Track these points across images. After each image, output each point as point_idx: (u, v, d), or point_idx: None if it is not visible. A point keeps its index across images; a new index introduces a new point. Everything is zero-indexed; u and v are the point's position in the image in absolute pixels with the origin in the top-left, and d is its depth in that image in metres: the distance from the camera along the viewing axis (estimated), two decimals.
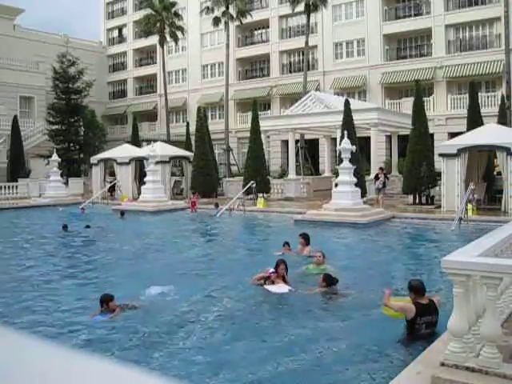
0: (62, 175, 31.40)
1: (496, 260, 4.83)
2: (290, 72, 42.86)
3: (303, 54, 36.91)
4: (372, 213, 18.36)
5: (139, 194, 26.58)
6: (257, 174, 25.78)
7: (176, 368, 5.80)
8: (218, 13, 37.73)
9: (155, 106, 50.54)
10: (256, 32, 45.72)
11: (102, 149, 38.72)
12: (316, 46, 40.30)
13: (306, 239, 12.35)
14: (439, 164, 20.96)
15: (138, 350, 6.41)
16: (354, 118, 23.56)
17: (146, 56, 53.43)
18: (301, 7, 34.52)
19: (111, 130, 51.19)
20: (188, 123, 35.43)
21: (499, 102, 27.23)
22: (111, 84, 55.25)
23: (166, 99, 42.08)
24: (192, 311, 7.98)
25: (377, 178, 23.03)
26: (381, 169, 24.06)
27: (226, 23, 37.70)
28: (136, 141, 35.10)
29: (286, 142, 36.32)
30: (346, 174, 18.53)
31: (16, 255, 13.65)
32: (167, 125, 42.57)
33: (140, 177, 29.28)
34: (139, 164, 30.19)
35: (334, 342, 6.52)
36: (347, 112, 23.54)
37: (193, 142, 31.61)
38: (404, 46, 38.79)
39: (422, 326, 6.43)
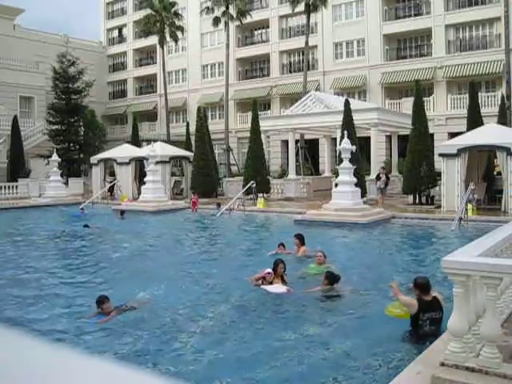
0: (62, 175, 31.37)
1: (496, 260, 4.83)
2: (290, 72, 42.86)
3: (303, 54, 36.91)
4: (372, 213, 18.36)
5: (139, 193, 26.58)
6: (257, 174, 25.78)
7: (176, 368, 5.80)
8: (217, 13, 37.73)
9: (155, 106, 50.54)
10: (256, 32, 45.72)
11: (102, 149, 38.71)
12: (316, 46, 40.30)
13: (300, 239, 12.33)
14: (439, 164, 20.96)
15: (137, 350, 6.41)
16: (353, 118, 23.55)
17: (145, 56, 53.43)
18: (301, 7, 34.52)
19: (111, 130, 51.21)
20: (188, 123, 35.42)
21: (499, 102, 27.23)
22: (111, 84, 55.26)
23: (166, 99, 42.09)
24: (191, 311, 7.98)
25: (378, 178, 23.01)
26: (383, 168, 24.03)
27: (226, 23, 37.69)
28: (136, 141, 35.12)
29: (286, 142, 36.32)
30: (346, 174, 18.52)
31: (16, 255, 13.63)
32: (167, 125, 42.57)
33: (140, 177, 29.27)
34: (139, 164, 30.19)
35: (334, 341, 6.52)
36: (347, 112, 23.54)
37: (193, 142, 31.60)
38: (404, 45, 38.79)
39: (426, 323, 6.44)
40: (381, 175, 22.96)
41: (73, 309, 8.27)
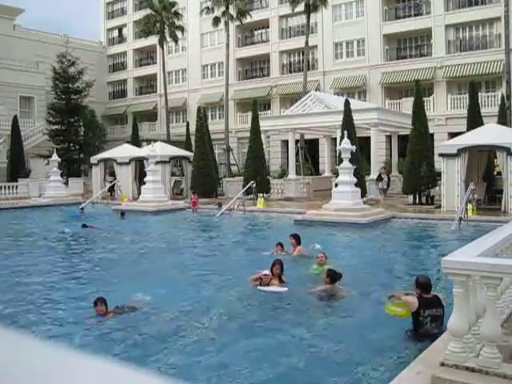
0: (62, 175, 31.38)
1: (496, 260, 4.83)
2: (290, 72, 42.86)
3: (303, 54, 36.91)
4: (372, 213, 18.36)
5: (139, 194, 26.59)
6: (257, 174, 25.78)
7: (175, 368, 5.80)
8: (217, 13, 37.73)
9: (155, 106, 50.54)
10: (256, 32, 45.72)
11: (102, 149, 38.71)
12: (316, 46, 40.29)
13: (296, 239, 12.33)
14: (439, 164, 20.96)
15: (137, 350, 6.40)
16: (353, 117, 23.54)
17: (146, 56, 53.43)
18: (301, 7, 34.51)
19: (111, 130, 51.19)
20: (188, 123, 35.42)
21: (499, 102, 27.23)
22: (111, 84, 55.25)
23: (166, 99, 42.08)
24: (191, 311, 7.98)
25: (380, 178, 22.97)
26: (383, 168, 23.99)
27: (226, 23, 37.69)
28: (136, 141, 35.11)
29: (286, 142, 36.31)
30: (346, 174, 18.52)
31: (15, 255, 13.63)
32: (167, 125, 42.57)
33: (140, 177, 29.27)
34: (139, 164, 30.19)
35: (334, 341, 6.52)
36: (347, 112, 23.54)
37: (193, 142, 31.61)
38: (404, 45, 38.79)
39: (427, 319, 6.47)
40: (383, 176, 22.92)
41: (72, 309, 8.26)
